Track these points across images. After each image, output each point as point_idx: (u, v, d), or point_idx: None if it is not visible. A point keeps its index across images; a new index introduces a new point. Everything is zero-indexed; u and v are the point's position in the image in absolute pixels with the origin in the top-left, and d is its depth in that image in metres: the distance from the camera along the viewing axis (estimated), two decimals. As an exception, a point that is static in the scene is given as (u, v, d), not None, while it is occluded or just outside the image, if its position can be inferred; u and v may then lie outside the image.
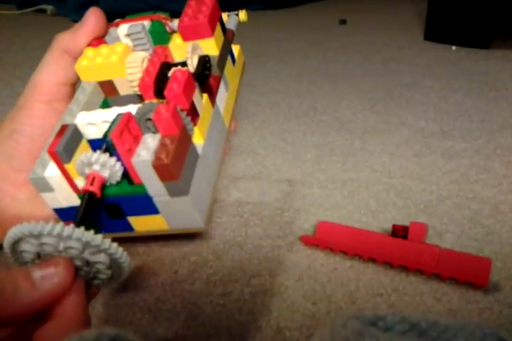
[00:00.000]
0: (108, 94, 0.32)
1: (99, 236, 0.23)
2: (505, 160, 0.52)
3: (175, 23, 0.31)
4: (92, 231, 0.23)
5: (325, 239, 0.38)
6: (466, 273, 0.34)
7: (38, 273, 0.21)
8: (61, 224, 0.22)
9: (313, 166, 0.52)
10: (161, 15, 0.31)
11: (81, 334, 0.19)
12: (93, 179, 0.25)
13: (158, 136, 0.26)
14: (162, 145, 0.25)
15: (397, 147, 0.56)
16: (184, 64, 0.30)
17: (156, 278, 0.35)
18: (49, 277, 0.21)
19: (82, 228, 0.23)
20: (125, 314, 0.33)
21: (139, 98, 0.31)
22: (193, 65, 0.30)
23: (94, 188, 0.25)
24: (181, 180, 0.25)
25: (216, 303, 0.34)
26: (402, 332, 0.18)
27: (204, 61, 0.30)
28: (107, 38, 0.31)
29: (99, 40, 0.31)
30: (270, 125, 0.62)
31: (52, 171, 0.26)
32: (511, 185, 0.48)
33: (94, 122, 0.27)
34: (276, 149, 0.55)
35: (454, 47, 0.91)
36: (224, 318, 0.32)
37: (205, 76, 0.30)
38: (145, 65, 0.30)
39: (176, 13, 0.32)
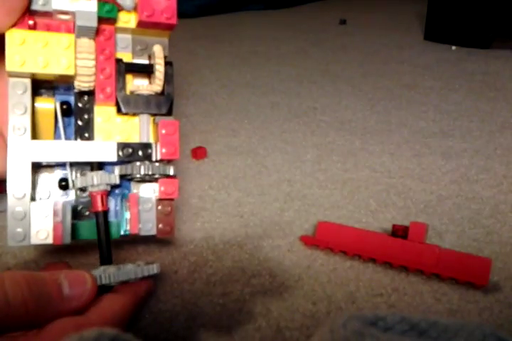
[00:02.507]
0: (35, 83, 0.28)
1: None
2: (505, 160, 0.52)
3: (127, 1, 0.27)
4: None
5: (325, 239, 0.38)
6: (466, 273, 0.34)
7: (66, 290, 0.24)
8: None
9: (313, 166, 0.52)
10: None
11: (81, 334, 0.19)
12: (102, 198, 0.28)
13: (154, 201, 0.29)
14: (163, 213, 0.29)
15: (397, 147, 0.56)
16: (149, 67, 0.29)
17: (156, 278, 0.35)
18: (77, 295, 0.24)
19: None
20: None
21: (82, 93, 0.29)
22: (160, 74, 0.28)
23: (105, 207, 0.28)
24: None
25: (216, 303, 0.34)
26: (402, 332, 0.18)
27: (172, 73, 0.29)
28: (35, 8, 0.25)
29: (23, 16, 0.26)
30: (270, 125, 0.62)
31: (39, 237, 0.27)
32: (511, 185, 0.48)
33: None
34: (276, 149, 0.55)
35: (454, 47, 0.91)
36: (224, 318, 0.32)
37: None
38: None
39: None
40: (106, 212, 0.29)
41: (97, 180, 0.27)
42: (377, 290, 0.35)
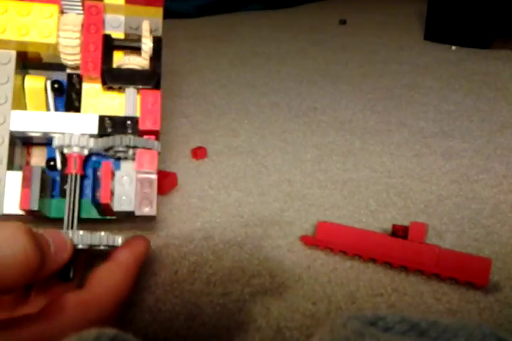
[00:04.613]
0: (24, 59, 0.28)
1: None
2: (505, 160, 0.52)
3: None
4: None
5: (325, 239, 0.38)
6: (466, 273, 0.34)
7: (53, 247, 0.24)
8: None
9: (313, 166, 0.52)
10: None
11: (81, 334, 0.19)
12: (76, 161, 0.27)
13: (133, 175, 0.28)
14: (143, 189, 0.28)
15: (397, 147, 0.56)
16: (134, 44, 0.28)
17: (156, 278, 0.35)
18: (61, 252, 0.24)
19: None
20: (125, 314, 0.33)
21: (67, 68, 0.29)
22: (147, 47, 0.28)
23: (78, 170, 0.27)
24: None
25: (216, 303, 0.34)
26: (402, 332, 0.18)
27: (160, 48, 0.28)
28: None
29: None
30: (270, 125, 0.62)
31: (12, 208, 0.27)
32: (511, 185, 0.48)
33: (37, 132, 0.27)
34: (276, 149, 0.55)
35: (454, 47, 0.91)
36: (224, 318, 0.32)
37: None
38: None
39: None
40: (80, 177, 0.28)
41: (73, 140, 0.27)
42: (377, 290, 0.35)
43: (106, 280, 0.26)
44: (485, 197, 0.46)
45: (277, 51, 0.93)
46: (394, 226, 0.38)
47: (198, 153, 0.53)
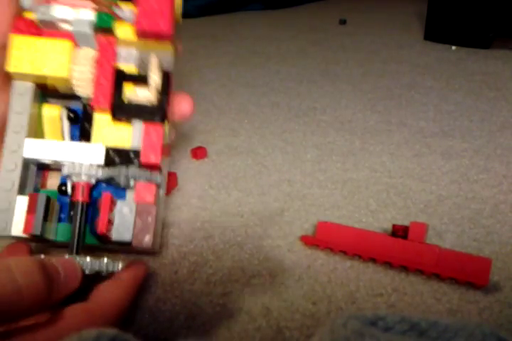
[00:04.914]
0: (44, 89, 0.30)
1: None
2: (505, 160, 0.52)
3: (125, 13, 0.28)
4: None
5: (325, 239, 0.38)
6: (466, 273, 0.34)
7: (63, 273, 0.25)
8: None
9: (313, 166, 0.52)
10: (106, 1, 0.28)
11: (81, 334, 0.19)
12: (83, 189, 0.29)
13: (133, 207, 0.29)
14: (141, 220, 0.28)
15: (397, 147, 0.56)
16: (143, 78, 0.29)
17: (156, 278, 0.35)
18: (71, 278, 0.25)
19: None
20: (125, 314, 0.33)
21: (82, 98, 0.30)
22: (154, 82, 0.29)
23: (85, 198, 0.29)
24: (153, 246, 0.29)
25: (216, 303, 0.34)
26: (402, 332, 0.18)
27: (167, 83, 0.29)
28: (38, 17, 0.27)
29: (24, 20, 0.27)
30: (270, 125, 0.62)
31: (19, 231, 0.28)
32: (511, 185, 0.48)
33: (48, 159, 0.29)
34: (276, 149, 0.55)
35: (454, 47, 0.91)
36: (224, 318, 0.32)
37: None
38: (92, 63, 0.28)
39: None
40: (86, 204, 0.29)
41: (81, 169, 0.28)
42: (377, 290, 0.35)
43: (109, 294, 0.27)
44: (485, 197, 0.46)
45: (277, 51, 0.93)
46: (394, 226, 0.38)
47: (198, 153, 0.53)
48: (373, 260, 0.37)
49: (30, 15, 0.28)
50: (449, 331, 0.18)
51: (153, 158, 0.28)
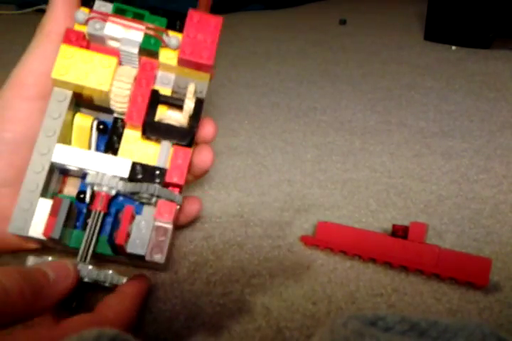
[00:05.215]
0: (79, 98, 0.31)
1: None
2: (505, 160, 0.52)
3: (172, 40, 0.29)
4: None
5: (325, 239, 0.38)
6: (466, 273, 0.34)
7: (51, 274, 0.25)
8: None
9: (313, 166, 0.52)
10: (157, 27, 0.29)
11: (81, 334, 0.19)
12: (103, 200, 0.29)
13: (151, 222, 0.29)
14: (157, 236, 0.29)
15: (397, 147, 0.56)
16: (178, 102, 0.30)
17: (156, 278, 0.35)
18: (62, 277, 0.26)
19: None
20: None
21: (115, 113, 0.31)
22: (188, 107, 0.30)
23: (103, 208, 0.29)
24: (164, 263, 0.29)
25: (216, 303, 0.34)
26: (402, 332, 0.18)
27: (200, 109, 0.30)
28: (89, 31, 0.28)
29: (75, 32, 0.29)
30: (270, 125, 0.62)
31: (36, 232, 0.28)
32: (511, 185, 0.48)
33: (75, 166, 0.29)
34: (276, 149, 0.55)
35: (454, 47, 0.91)
36: (224, 318, 0.32)
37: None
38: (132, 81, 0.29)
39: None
40: (103, 214, 0.30)
41: (104, 180, 0.29)
42: (377, 290, 0.35)
43: (115, 306, 0.27)
44: (485, 197, 0.46)
45: (277, 51, 0.93)
46: (394, 226, 0.38)
47: (198, 153, 0.53)
48: (373, 260, 0.37)
49: (82, 28, 0.29)
50: (449, 331, 0.18)
51: (179, 179, 0.29)
